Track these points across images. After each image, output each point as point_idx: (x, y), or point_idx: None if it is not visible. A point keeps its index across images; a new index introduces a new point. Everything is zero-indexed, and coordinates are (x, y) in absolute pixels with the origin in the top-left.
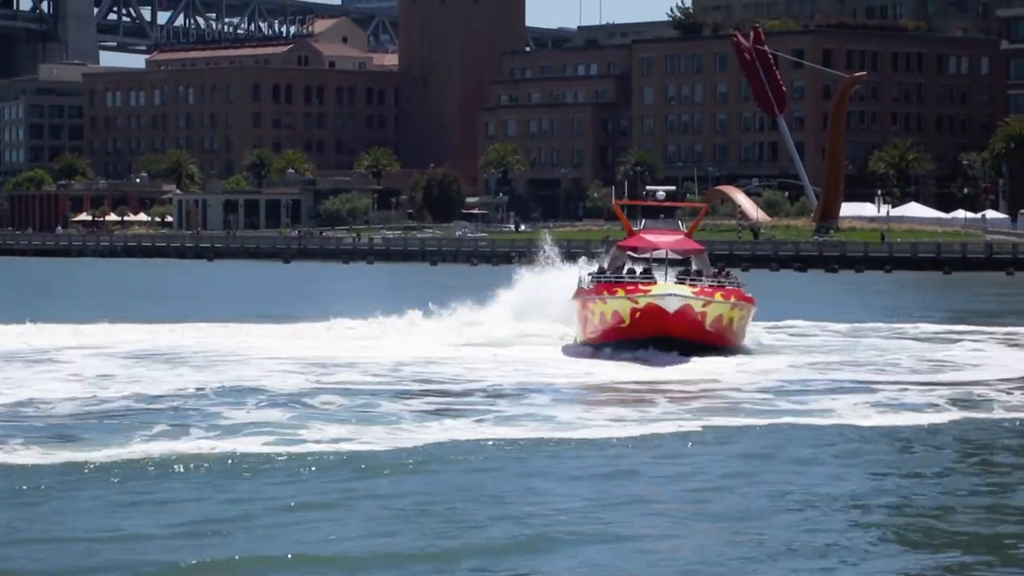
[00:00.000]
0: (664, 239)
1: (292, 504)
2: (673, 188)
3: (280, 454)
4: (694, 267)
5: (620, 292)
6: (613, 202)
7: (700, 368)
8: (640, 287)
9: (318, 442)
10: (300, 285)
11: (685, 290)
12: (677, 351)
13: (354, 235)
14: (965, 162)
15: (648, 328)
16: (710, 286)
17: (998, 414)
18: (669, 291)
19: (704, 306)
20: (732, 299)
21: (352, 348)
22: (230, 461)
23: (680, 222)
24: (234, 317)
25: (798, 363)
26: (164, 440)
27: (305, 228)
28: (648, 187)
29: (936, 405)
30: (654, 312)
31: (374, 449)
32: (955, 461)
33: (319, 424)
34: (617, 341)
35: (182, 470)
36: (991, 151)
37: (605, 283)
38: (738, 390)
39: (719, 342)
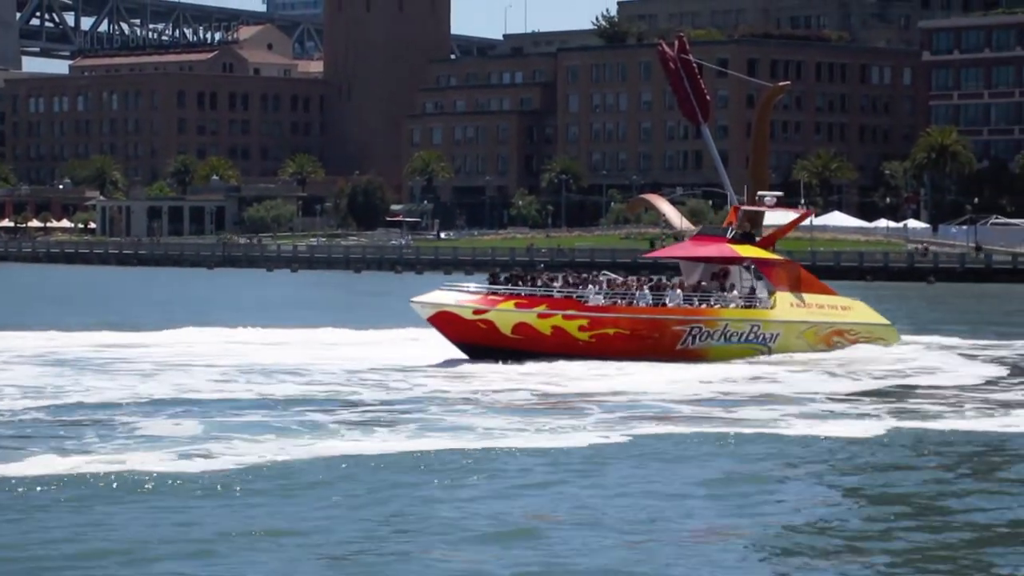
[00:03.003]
0: (685, 249)
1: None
2: (781, 194)
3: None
4: (688, 277)
5: None
6: (730, 206)
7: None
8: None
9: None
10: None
11: (454, 296)
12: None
13: (277, 243)
14: (887, 172)
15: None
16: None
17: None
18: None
19: (476, 313)
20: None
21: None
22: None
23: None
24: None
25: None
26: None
27: (230, 236)
28: (759, 192)
29: (870, 415)
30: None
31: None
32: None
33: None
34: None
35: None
36: (913, 161)
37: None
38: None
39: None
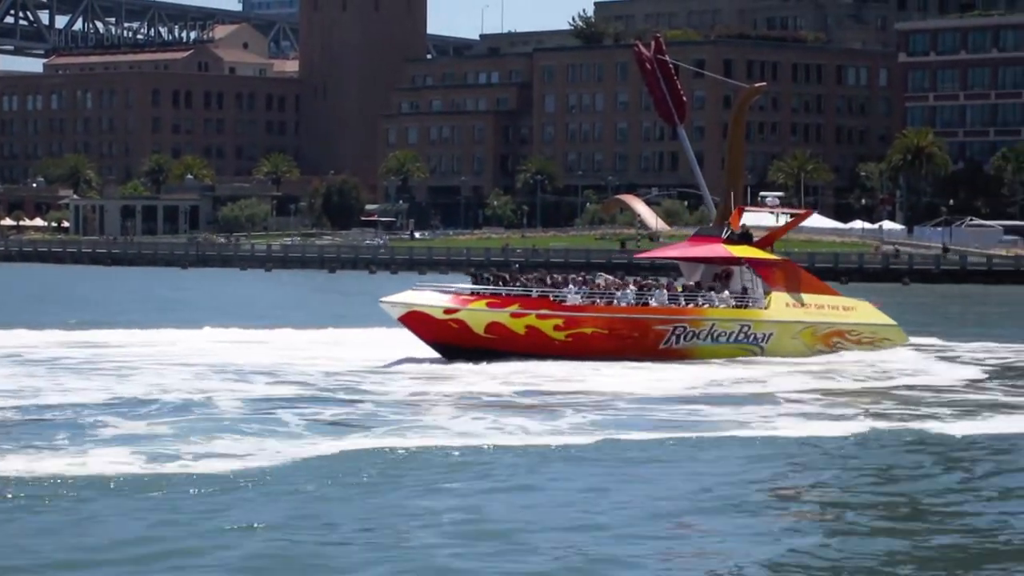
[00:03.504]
0: (681, 249)
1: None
2: (783, 194)
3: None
4: (689, 277)
5: None
6: (734, 208)
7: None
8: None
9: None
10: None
11: (424, 296)
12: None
13: (251, 243)
14: (863, 173)
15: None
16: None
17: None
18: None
19: (447, 313)
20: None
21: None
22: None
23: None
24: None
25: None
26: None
27: (208, 235)
28: (761, 193)
29: (851, 417)
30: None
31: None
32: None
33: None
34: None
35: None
36: (889, 162)
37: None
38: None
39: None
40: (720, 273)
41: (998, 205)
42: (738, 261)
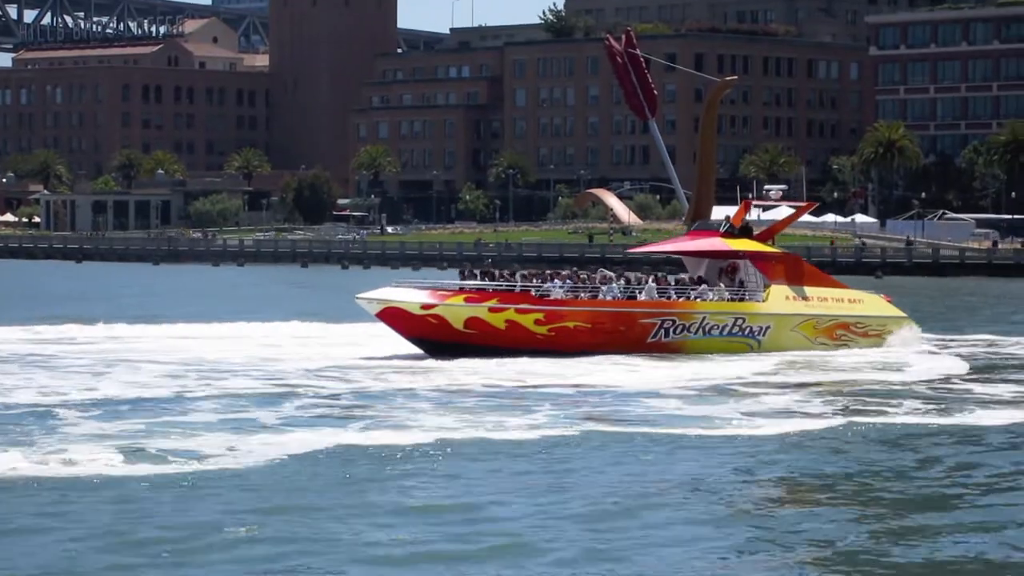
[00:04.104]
0: (677, 243)
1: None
2: (786, 187)
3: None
4: (693, 272)
5: None
6: (741, 200)
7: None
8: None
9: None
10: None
11: (399, 292)
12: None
13: (223, 238)
14: (835, 166)
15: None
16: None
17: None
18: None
19: (424, 308)
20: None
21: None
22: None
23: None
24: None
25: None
26: None
27: (184, 230)
28: (766, 186)
29: (830, 412)
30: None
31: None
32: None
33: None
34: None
35: None
36: (860, 156)
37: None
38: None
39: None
40: (726, 267)
41: (970, 198)
42: (736, 254)
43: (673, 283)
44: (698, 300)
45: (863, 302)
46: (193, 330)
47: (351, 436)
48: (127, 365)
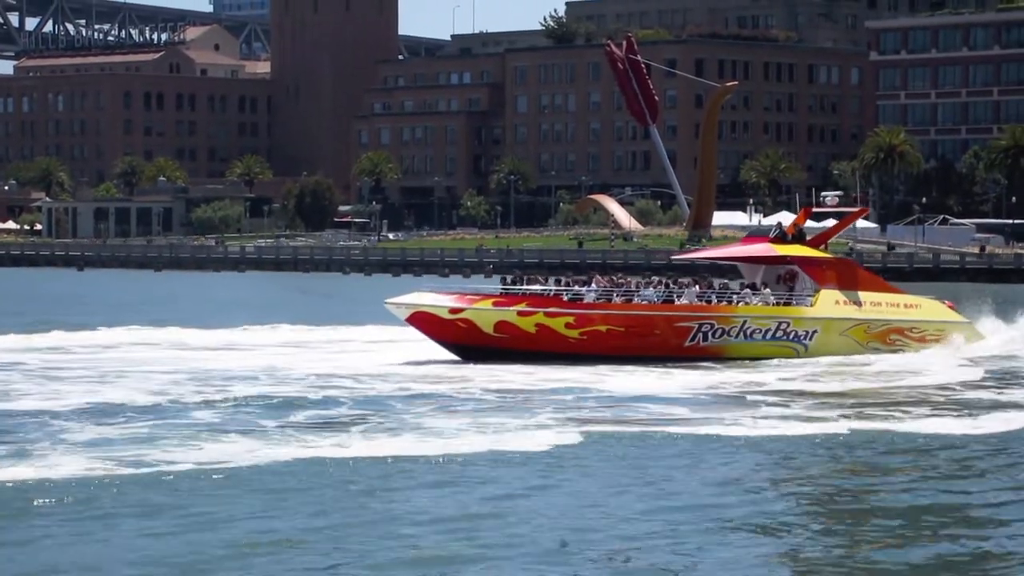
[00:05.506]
0: (727, 249)
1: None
2: (842, 193)
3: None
4: (749, 279)
5: None
6: (799, 208)
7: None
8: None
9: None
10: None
11: (428, 297)
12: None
13: (225, 245)
14: (836, 172)
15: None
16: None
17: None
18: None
19: (453, 312)
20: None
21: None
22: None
23: (780, 226)
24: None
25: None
26: None
27: (196, 237)
28: (822, 193)
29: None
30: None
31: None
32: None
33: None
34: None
35: None
36: (861, 161)
37: None
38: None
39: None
40: (784, 274)
41: (970, 203)
42: (784, 259)
43: (716, 288)
44: (740, 304)
45: (921, 307)
46: (205, 337)
47: (359, 444)
48: (137, 374)
